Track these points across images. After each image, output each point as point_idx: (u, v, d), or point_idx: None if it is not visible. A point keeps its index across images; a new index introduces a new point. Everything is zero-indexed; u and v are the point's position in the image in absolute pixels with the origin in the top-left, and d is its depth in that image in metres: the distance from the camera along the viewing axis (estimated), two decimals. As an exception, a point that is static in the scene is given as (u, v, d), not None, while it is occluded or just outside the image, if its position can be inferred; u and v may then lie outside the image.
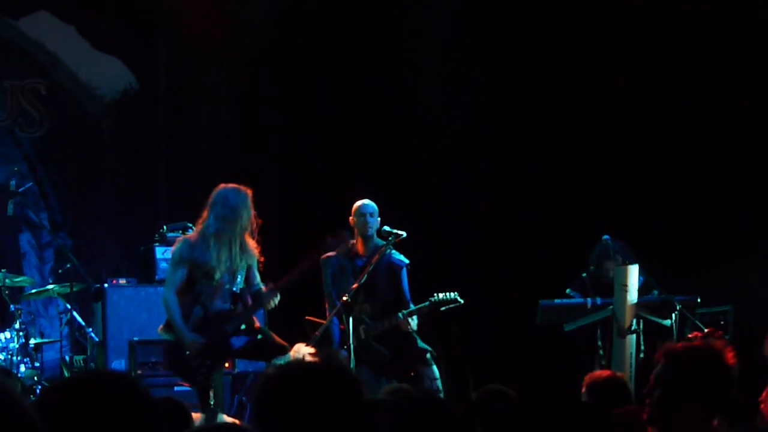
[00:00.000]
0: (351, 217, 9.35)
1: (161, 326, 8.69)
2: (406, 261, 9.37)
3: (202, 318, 8.53)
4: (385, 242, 9.22)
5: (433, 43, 12.32)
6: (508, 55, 12.05)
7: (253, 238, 8.66)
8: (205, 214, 8.60)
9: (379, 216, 9.36)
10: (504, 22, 12.08)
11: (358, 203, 9.37)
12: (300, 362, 3.00)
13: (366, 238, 9.30)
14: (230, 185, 8.63)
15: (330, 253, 9.34)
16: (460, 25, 12.32)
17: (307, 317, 9.24)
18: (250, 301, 8.70)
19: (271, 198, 12.25)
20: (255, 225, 8.63)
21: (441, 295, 9.05)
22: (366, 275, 9.07)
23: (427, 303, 9.07)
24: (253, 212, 8.58)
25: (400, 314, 9.08)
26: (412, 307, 9.18)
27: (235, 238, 8.52)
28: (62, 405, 2.61)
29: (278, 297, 8.57)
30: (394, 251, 9.28)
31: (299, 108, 12.55)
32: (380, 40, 12.45)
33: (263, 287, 8.65)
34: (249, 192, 8.60)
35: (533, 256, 11.42)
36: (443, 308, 9.04)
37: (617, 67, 11.70)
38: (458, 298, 9.03)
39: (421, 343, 9.35)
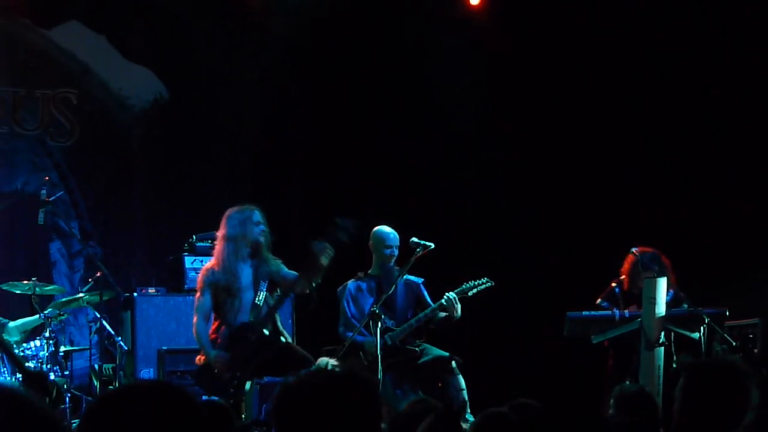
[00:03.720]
0: (372, 242, 9.56)
1: (198, 356, 8.96)
2: (422, 279, 9.62)
3: (228, 336, 8.73)
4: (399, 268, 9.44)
5: (457, 52, 12.33)
6: (533, 61, 12.05)
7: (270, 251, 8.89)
8: (219, 238, 8.97)
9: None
10: (526, 28, 12.08)
11: (384, 233, 9.58)
12: (318, 370, 3.02)
13: (386, 267, 9.53)
14: (236, 207, 8.96)
15: (347, 282, 9.59)
16: (482, 38, 12.33)
17: (324, 348, 9.37)
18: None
19: (297, 207, 12.30)
20: (268, 239, 8.85)
21: (472, 282, 9.38)
22: (393, 287, 9.24)
23: (459, 289, 9.28)
24: (263, 227, 8.79)
25: (445, 297, 9.27)
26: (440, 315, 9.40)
27: (248, 253, 8.74)
28: (114, 415, 2.63)
29: (330, 249, 8.67)
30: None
31: (326, 118, 12.57)
32: (407, 51, 12.47)
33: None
34: (255, 209, 8.88)
35: (562, 267, 11.40)
36: (474, 290, 9.25)
37: (650, 79, 11.67)
38: (489, 281, 9.40)
39: (440, 352, 9.46)
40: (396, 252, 9.61)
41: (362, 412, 2.91)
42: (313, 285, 8.78)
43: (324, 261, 8.61)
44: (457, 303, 9.30)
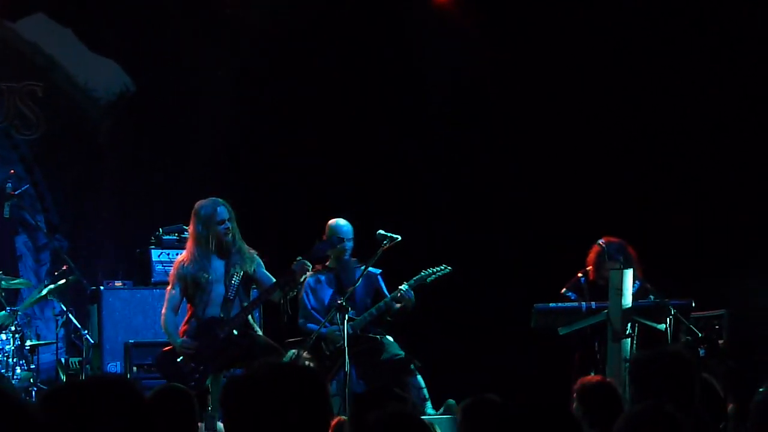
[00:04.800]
0: (327, 235, 9.60)
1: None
2: (379, 270, 9.70)
3: (196, 327, 8.78)
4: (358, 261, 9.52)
5: (436, 45, 12.33)
6: (510, 57, 12.06)
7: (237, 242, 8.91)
8: (189, 234, 9.09)
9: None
10: (507, 25, 12.10)
11: (338, 227, 9.65)
12: (265, 363, 3.04)
13: (342, 260, 9.59)
14: (203, 201, 8.99)
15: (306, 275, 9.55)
16: (463, 29, 12.33)
17: (287, 341, 9.44)
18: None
19: (269, 200, 12.29)
20: (235, 234, 8.88)
21: (430, 270, 9.50)
22: (359, 279, 9.30)
23: (418, 277, 9.33)
24: (228, 224, 8.81)
25: (399, 289, 9.30)
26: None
27: (215, 247, 8.77)
28: (59, 409, 2.61)
29: (309, 267, 8.72)
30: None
31: (298, 110, 12.55)
32: (381, 43, 12.46)
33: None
34: (219, 204, 8.93)
35: (529, 259, 11.43)
36: (433, 277, 9.29)
37: (617, 71, 11.69)
38: (447, 267, 9.54)
39: (399, 351, 9.54)
40: (350, 244, 9.70)
41: (308, 404, 2.93)
42: (287, 296, 8.87)
43: (302, 278, 8.75)
44: (410, 293, 9.39)
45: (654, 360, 4.52)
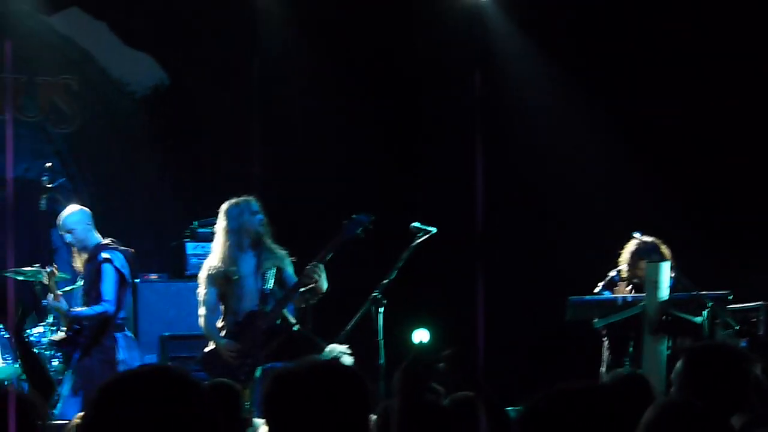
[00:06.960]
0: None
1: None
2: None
3: (234, 323, 8.76)
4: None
5: (443, 40, 12.31)
6: (519, 45, 12.04)
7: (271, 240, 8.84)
8: (218, 232, 8.97)
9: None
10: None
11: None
12: (308, 361, 3.04)
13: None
14: (232, 200, 8.92)
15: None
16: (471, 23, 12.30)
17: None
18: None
19: (302, 193, 12.30)
20: (267, 228, 8.80)
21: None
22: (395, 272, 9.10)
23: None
24: (260, 217, 8.74)
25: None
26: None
27: (249, 243, 8.72)
28: (120, 401, 2.61)
29: (322, 271, 8.61)
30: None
31: (331, 104, 12.54)
32: (405, 31, 12.45)
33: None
34: (251, 199, 8.88)
35: (563, 252, 11.38)
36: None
37: (640, 59, 11.64)
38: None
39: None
40: None
41: (350, 403, 2.93)
42: (308, 303, 8.79)
43: (315, 282, 8.54)
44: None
45: (710, 353, 4.43)
